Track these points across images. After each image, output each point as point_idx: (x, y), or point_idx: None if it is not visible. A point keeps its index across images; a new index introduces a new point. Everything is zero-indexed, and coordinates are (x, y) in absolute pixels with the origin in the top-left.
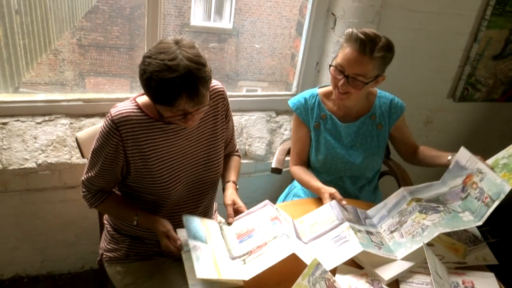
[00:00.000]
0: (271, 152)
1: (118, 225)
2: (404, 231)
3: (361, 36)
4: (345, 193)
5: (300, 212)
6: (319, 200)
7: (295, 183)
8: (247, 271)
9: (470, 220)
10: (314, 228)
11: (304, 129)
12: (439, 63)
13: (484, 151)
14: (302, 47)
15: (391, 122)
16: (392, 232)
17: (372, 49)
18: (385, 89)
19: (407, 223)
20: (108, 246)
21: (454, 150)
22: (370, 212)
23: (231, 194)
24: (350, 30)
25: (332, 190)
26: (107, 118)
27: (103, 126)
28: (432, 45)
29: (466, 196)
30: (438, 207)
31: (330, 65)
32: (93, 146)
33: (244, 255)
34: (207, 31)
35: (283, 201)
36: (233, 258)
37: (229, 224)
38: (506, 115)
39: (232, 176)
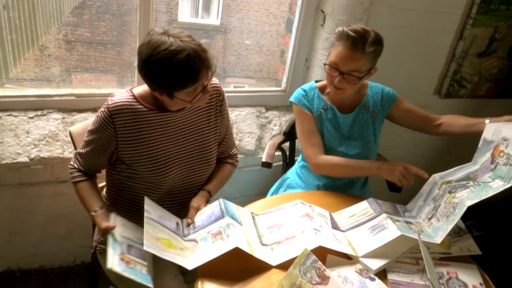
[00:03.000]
0: (260, 147)
1: None
2: (439, 215)
3: (352, 33)
4: (336, 187)
5: None
6: (313, 194)
7: (288, 174)
8: (275, 258)
9: (499, 186)
10: (351, 219)
11: (312, 118)
12: (425, 60)
13: (468, 146)
14: (291, 43)
15: (385, 111)
16: (429, 219)
17: (364, 45)
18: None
19: (441, 206)
20: (102, 238)
21: (441, 145)
22: (408, 206)
23: (199, 200)
24: (340, 28)
25: (401, 164)
26: (104, 107)
27: (100, 113)
28: (418, 42)
29: (495, 166)
30: (468, 183)
31: (324, 64)
32: (89, 128)
33: (273, 244)
34: (195, 27)
35: (275, 193)
36: (263, 245)
37: (188, 224)
38: (490, 111)
39: (211, 185)
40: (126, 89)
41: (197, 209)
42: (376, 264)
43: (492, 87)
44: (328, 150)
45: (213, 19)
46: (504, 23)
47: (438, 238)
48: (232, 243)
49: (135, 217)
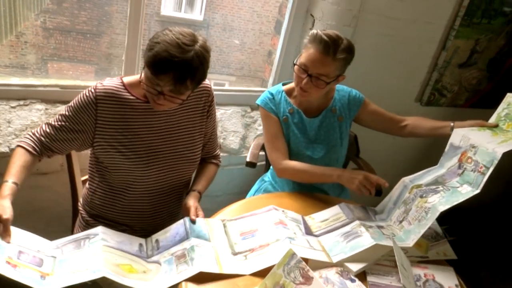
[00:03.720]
0: (244, 146)
1: (96, 209)
2: (411, 218)
3: (325, 38)
4: (311, 187)
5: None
6: (293, 194)
7: (265, 177)
8: (248, 267)
9: (468, 191)
10: (324, 224)
11: (278, 122)
12: (409, 68)
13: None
14: (280, 45)
15: (352, 114)
16: (400, 222)
17: (335, 51)
18: (360, 91)
19: (412, 210)
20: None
21: (421, 151)
22: (378, 208)
23: (194, 201)
24: (314, 31)
25: (362, 173)
26: (92, 89)
27: (87, 92)
28: (403, 51)
29: (463, 172)
30: (437, 187)
31: (294, 64)
32: (69, 104)
33: (246, 251)
34: (177, 21)
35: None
36: (235, 254)
37: (193, 222)
38: (468, 120)
39: (199, 185)
40: (117, 77)
41: (196, 209)
42: (356, 266)
43: (471, 97)
44: (295, 154)
45: (196, 14)
46: (485, 36)
47: (410, 241)
48: (195, 268)
49: (112, 212)
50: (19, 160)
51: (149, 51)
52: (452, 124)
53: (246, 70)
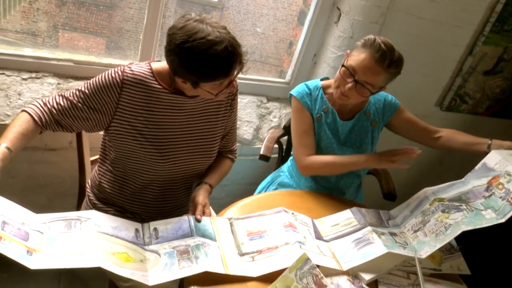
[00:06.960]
0: (257, 138)
1: (104, 193)
2: (427, 230)
3: (383, 46)
4: (329, 187)
5: (287, 204)
6: (306, 193)
7: (281, 171)
8: (256, 269)
9: (492, 218)
10: (335, 228)
11: (310, 118)
12: (432, 71)
13: (461, 162)
14: (302, 36)
15: (385, 119)
16: (415, 231)
17: (390, 62)
18: None
19: (430, 222)
20: None
21: (434, 156)
22: (392, 212)
23: (204, 197)
24: (372, 36)
25: (387, 150)
26: (119, 70)
27: (113, 73)
28: (428, 53)
29: (490, 195)
30: (461, 205)
31: (342, 65)
32: (90, 81)
33: (254, 252)
34: (193, 0)
35: (265, 189)
36: (242, 255)
37: (198, 221)
38: (487, 129)
39: (212, 179)
40: (145, 61)
41: (204, 207)
42: (369, 274)
43: (492, 106)
44: (327, 154)
45: None
46: None
47: (423, 253)
48: (200, 267)
49: (119, 198)
50: (20, 126)
51: (204, 69)
52: (490, 142)
53: (257, 55)
